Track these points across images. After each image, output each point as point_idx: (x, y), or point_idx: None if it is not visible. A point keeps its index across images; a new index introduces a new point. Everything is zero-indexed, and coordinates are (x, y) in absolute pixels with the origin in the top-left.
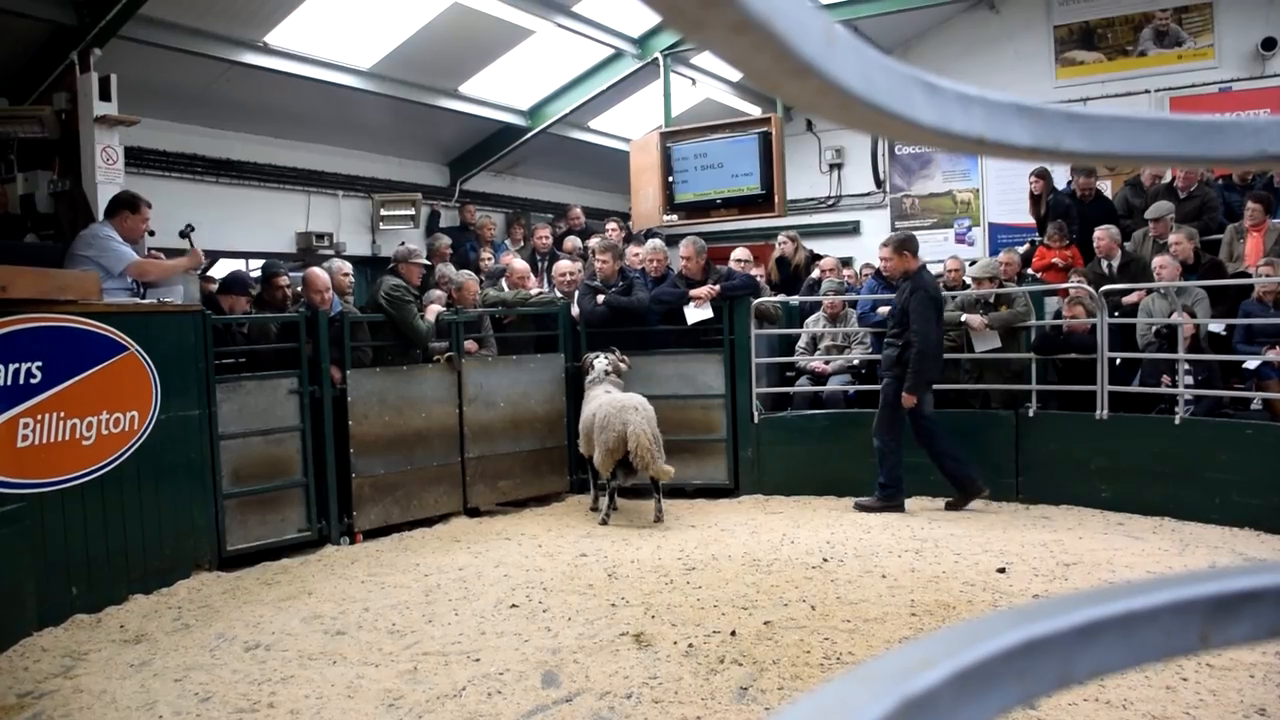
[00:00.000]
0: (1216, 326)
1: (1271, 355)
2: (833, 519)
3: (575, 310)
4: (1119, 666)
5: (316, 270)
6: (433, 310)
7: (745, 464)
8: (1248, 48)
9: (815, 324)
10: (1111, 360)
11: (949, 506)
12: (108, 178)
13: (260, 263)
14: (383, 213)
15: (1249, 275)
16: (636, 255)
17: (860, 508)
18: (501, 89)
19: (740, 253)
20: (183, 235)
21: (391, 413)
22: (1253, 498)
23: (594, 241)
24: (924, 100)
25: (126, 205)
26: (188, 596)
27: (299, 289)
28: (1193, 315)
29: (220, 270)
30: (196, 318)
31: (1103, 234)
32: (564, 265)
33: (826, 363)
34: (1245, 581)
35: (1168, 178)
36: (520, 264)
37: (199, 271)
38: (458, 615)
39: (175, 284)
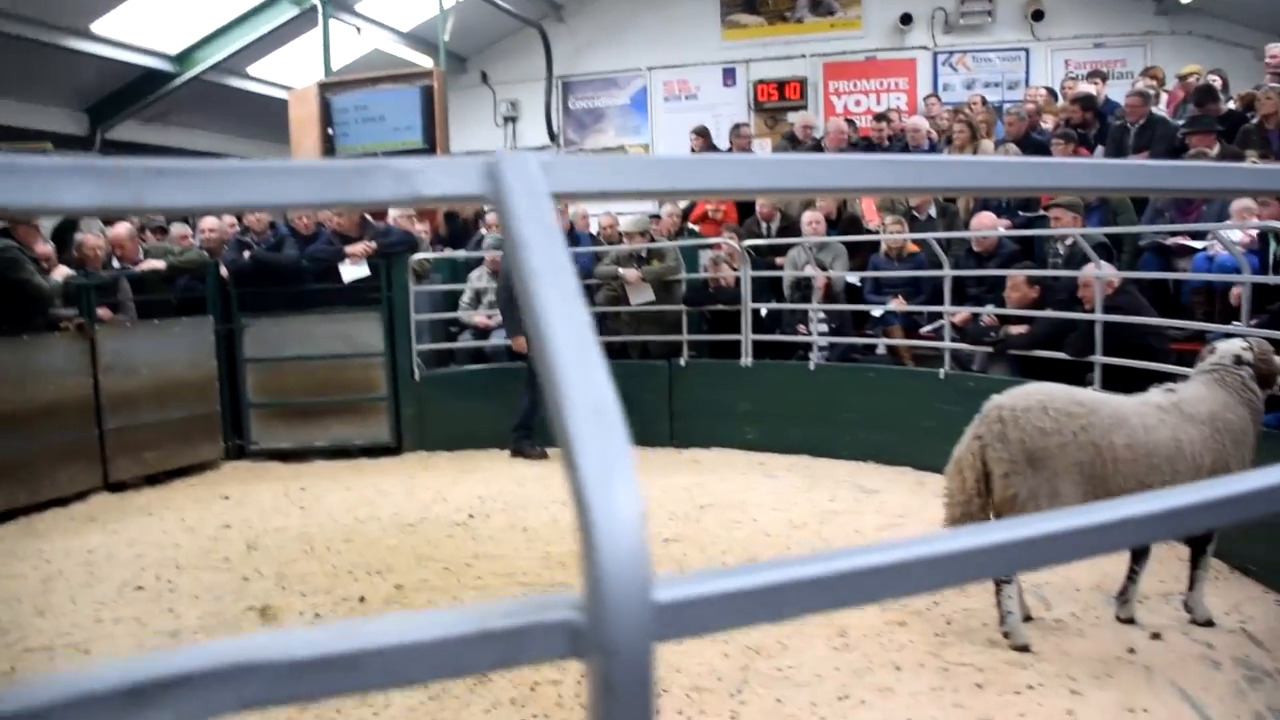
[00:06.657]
0: (852, 278)
1: (894, 305)
2: (492, 473)
3: (225, 270)
4: None
5: None
6: (60, 270)
7: (408, 422)
8: (890, 20)
9: (479, 279)
10: (756, 311)
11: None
12: None
13: None
14: None
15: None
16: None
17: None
18: (143, 30)
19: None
20: None
21: (11, 387)
22: (875, 434)
23: None
24: None
25: None
26: None
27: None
28: (825, 268)
29: None
30: None
31: (763, 201)
32: (210, 221)
33: (490, 318)
34: (171, 666)
35: (819, 133)
36: (125, 227)
37: None
38: (75, 604)
39: None
